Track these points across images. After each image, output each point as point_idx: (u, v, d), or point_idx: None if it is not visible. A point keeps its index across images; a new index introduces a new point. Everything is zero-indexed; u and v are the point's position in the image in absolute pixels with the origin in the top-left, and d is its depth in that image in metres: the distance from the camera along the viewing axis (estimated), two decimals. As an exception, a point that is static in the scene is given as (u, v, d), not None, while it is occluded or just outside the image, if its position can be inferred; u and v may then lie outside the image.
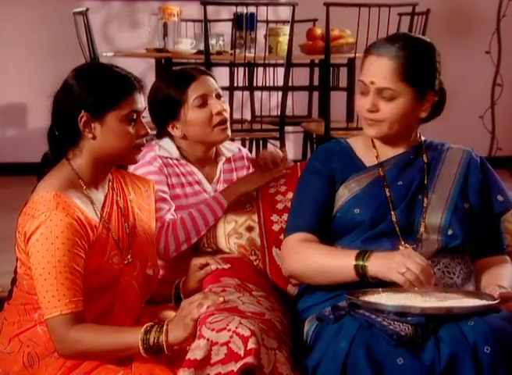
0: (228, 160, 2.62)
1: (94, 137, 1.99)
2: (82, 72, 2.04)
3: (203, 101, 2.49)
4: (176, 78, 2.55)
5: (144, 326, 1.87)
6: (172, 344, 1.85)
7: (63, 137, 2.02)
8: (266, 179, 2.43)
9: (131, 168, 2.41)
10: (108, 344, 1.89)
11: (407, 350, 1.77)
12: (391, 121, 2.08)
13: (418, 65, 2.06)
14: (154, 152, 2.50)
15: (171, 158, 2.52)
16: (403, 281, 1.86)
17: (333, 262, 2.00)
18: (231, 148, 2.66)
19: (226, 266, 2.22)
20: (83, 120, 1.98)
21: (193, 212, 2.41)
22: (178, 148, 2.54)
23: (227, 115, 2.54)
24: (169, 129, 2.53)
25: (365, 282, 1.95)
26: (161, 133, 2.58)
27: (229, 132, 2.55)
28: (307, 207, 2.14)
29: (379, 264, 1.91)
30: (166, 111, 2.52)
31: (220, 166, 2.60)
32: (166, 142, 2.55)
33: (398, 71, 2.04)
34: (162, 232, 2.36)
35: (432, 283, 1.88)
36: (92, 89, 1.98)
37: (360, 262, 1.93)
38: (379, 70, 2.05)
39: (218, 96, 2.53)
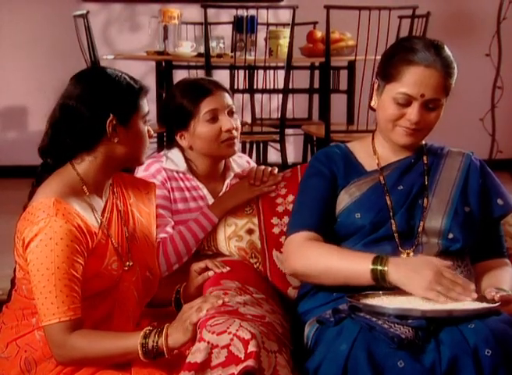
0: (236, 176, 2.58)
1: (119, 141, 2.00)
2: (84, 76, 2.04)
3: (214, 116, 2.47)
4: (192, 89, 2.52)
5: (143, 331, 1.86)
6: (171, 347, 1.84)
7: (77, 142, 2.00)
8: (255, 193, 2.41)
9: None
10: (107, 350, 1.88)
11: (407, 353, 1.77)
12: (429, 129, 2.10)
13: (455, 74, 2.06)
14: (159, 164, 2.49)
15: (177, 172, 2.50)
16: (436, 297, 1.86)
17: (347, 265, 1.98)
18: (240, 161, 2.64)
19: (225, 270, 2.21)
20: (111, 124, 1.98)
21: (183, 231, 2.39)
22: (186, 159, 2.53)
23: (237, 133, 2.51)
24: (177, 138, 2.52)
25: (377, 286, 1.94)
26: (170, 141, 2.57)
27: (236, 148, 2.52)
28: (311, 206, 2.12)
29: (404, 275, 1.89)
30: (177, 119, 2.51)
31: (227, 181, 2.57)
32: (175, 154, 2.53)
33: (445, 82, 2.03)
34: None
35: (469, 292, 1.87)
36: (116, 93, 2.00)
37: (379, 267, 1.92)
38: (430, 82, 2.02)
39: (231, 113, 2.51)
